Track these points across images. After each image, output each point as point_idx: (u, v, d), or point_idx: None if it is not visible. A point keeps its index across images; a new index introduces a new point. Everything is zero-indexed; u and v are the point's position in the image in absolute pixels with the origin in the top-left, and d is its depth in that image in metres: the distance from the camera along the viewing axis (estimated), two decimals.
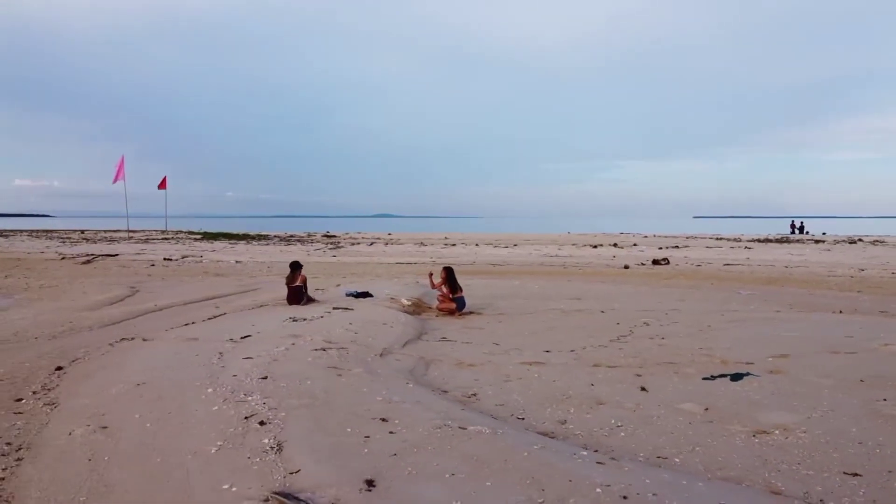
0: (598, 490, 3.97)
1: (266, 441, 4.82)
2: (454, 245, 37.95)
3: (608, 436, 5.52)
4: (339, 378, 6.70)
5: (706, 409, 6.16)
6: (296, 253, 30.28)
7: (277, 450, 4.64)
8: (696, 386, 7.04)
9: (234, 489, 4.07)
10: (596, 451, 4.99)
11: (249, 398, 5.87)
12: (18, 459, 4.95)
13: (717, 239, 46.41)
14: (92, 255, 26.14)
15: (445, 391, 6.87)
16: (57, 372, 7.69)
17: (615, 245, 37.91)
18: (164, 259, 25.67)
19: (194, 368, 7.15)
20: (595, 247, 36.63)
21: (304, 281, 12.64)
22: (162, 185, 45.18)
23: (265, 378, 6.57)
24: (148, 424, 5.39)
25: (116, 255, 26.99)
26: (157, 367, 7.32)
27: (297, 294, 12.44)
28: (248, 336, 8.96)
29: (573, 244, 38.82)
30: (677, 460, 4.92)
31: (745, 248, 34.85)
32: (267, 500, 3.84)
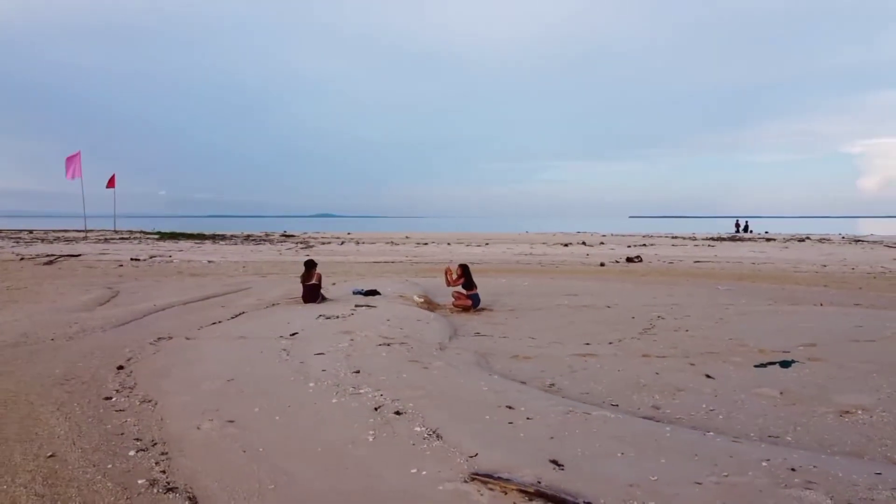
0: (764, 464, 4.30)
1: (418, 430, 4.99)
2: (426, 244, 38.10)
3: (709, 419, 5.87)
4: (426, 371, 6.88)
5: (781, 392, 6.60)
6: (266, 252, 29.93)
7: (437, 437, 4.81)
8: (754, 372, 7.48)
9: (423, 473, 4.24)
10: (711, 432, 5.32)
11: (362, 391, 6.01)
12: (164, 453, 4.98)
13: (674, 237, 47.94)
14: (53, 255, 25.23)
15: (524, 382, 7.11)
16: (120, 371, 7.62)
17: (584, 244, 38.79)
18: (132, 259, 25.01)
19: (272, 364, 7.21)
20: (566, 245, 37.41)
21: (320, 279, 12.67)
22: (110, 183, 43.78)
23: (358, 372, 6.70)
24: (277, 417, 5.47)
25: (79, 255, 26.13)
26: (231, 363, 7.34)
27: (314, 292, 12.47)
28: (296, 333, 9.00)
29: (543, 243, 39.51)
30: (789, 438, 5.31)
31: (709, 246, 36.19)
32: (471, 480, 4.03)
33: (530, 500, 3.75)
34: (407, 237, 49.07)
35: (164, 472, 4.62)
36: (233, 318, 11.23)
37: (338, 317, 10.47)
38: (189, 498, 4.17)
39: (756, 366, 7.85)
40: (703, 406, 6.20)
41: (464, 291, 12.72)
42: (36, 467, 4.83)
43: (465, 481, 4.04)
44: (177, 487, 4.35)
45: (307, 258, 13.51)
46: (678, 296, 14.80)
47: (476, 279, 12.99)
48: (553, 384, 7.07)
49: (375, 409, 5.54)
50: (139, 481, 4.48)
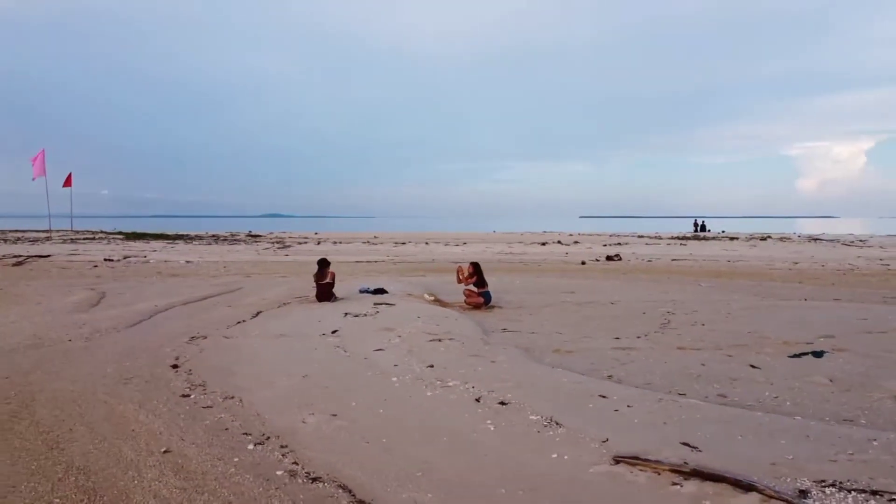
0: (875, 442, 4.64)
1: (533, 418, 5.19)
2: (404, 244, 38.14)
3: (778, 405, 6.22)
4: (495, 364, 7.08)
5: (831, 380, 7.00)
6: (244, 252, 29.58)
7: (556, 424, 5.03)
8: (793, 363, 7.90)
9: (566, 457, 4.45)
10: (798, 417, 5.66)
11: (450, 384, 6.18)
12: (283, 446, 5.08)
13: (640, 237, 49.03)
14: (21, 256, 24.48)
15: (583, 373, 7.37)
16: (177, 370, 7.61)
17: (559, 243, 39.42)
18: (105, 260, 24.45)
19: (337, 361, 7.32)
20: (543, 244, 37.96)
21: (333, 278, 12.71)
22: (67, 182, 42.52)
23: (432, 367, 6.86)
24: (381, 410, 5.61)
25: (48, 255, 25.40)
26: (293, 361, 7.43)
27: (328, 291, 12.51)
28: (336, 331, 9.08)
29: (520, 242, 39.97)
30: (864, 421, 5.68)
31: (681, 244, 37.19)
32: (615, 463, 4.25)
33: (686, 478, 3.98)
34: (375, 237, 49.04)
35: (295, 463, 4.71)
36: (254, 317, 11.21)
37: (365, 314, 10.57)
38: (340, 486, 4.28)
39: (790, 356, 8.25)
40: (766, 394, 6.53)
41: (475, 289, 12.91)
42: (158, 462, 4.87)
43: (612, 464, 4.25)
44: (320, 477, 4.45)
45: (320, 257, 13.51)
46: (671, 293, 15.28)
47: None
48: (611, 375, 7.33)
49: (476, 400, 5.71)
50: (277, 472, 4.57)
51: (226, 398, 6.28)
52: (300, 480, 4.41)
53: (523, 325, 10.84)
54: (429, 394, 5.95)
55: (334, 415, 5.56)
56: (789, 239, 44.06)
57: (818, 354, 8.29)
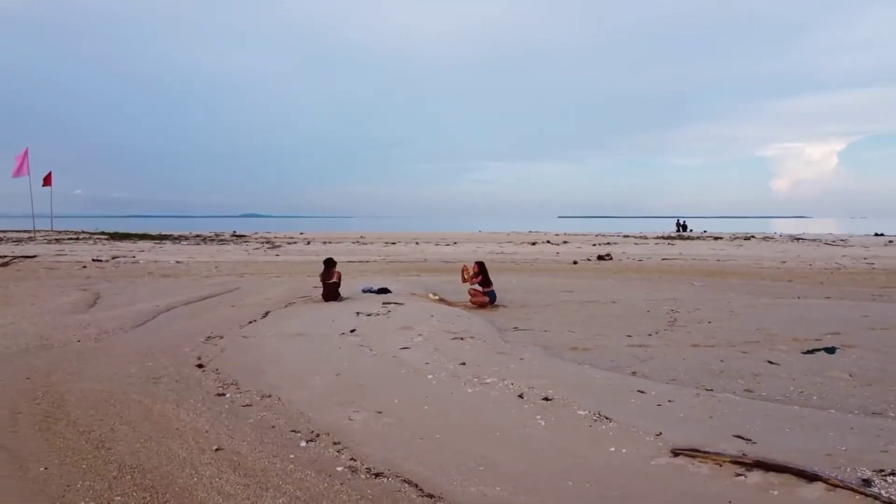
0: None
1: (581, 413, 5.30)
2: (394, 244, 38.12)
3: (806, 399, 6.39)
4: (524, 361, 7.19)
5: (850, 375, 7.20)
6: (234, 253, 29.40)
7: (606, 419, 5.13)
8: (808, 359, 8.09)
9: (623, 451, 4.56)
10: (832, 410, 5.83)
11: (488, 381, 6.27)
12: (336, 443, 5.13)
13: (625, 236, 49.47)
14: (6, 256, 24.11)
15: (608, 370, 7.49)
16: (203, 369, 7.62)
17: (549, 242, 39.67)
18: (93, 260, 24.18)
19: (366, 359, 7.38)
20: (533, 244, 38.17)
21: (339, 277, 12.73)
22: (47, 181, 41.85)
23: (464, 364, 6.93)
24: (426, 407, 5.68)
25: (35, 256, 25.04)
26: (323, 360, 7.49)
27: (335, 290, 12.52)
28: (354, 330, 9.13)
29: (509, 242, 40.15)
30: (892, 414, 5.86)
31: (669, 244, 37.59)
32: (674, 455, 4.37)
33: (749, 469, 4.11)
34: (362, 237, 48.96)
35: (353, 459, 4.77)
36: (263, 317, 11.21)
37: (377, 314, 10.61)
38: (405, 481, 4.35)
39: (804, 352, 8.45)
40: (791, 389, 6.70)
41: (479, 289, 13.00)
42: (212, 460, 4.90)
43: (671, 457, 4.36)
44: (382, 473, 4.51)
45: (326, 257, 13.51)
46: (667, 291, 15.50)
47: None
48: (635, 372, 7.47)
49: (519, 396, 5.81)
50: (337, 468, 4.62)
51: (263, 397, 6.30)
52: (362, 476, 4.46)
53: (532, 324, 10.94)
54: (469, 390, 6.03)
55: (379, 412, 5.62)
56: (772, 238, 44.79)
57: (830, 350, 8.49)
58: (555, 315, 11.98)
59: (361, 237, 48.63)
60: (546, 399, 5.68)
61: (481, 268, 12.99)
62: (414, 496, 4.13)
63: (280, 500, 4.17)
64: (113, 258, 25.25)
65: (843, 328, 10.02)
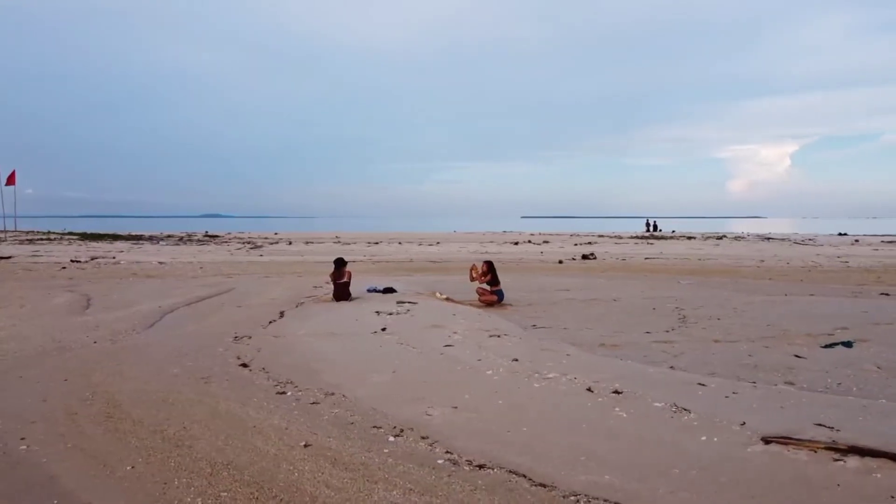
0: None
1: (658, 405, 5.51)
2: (378, 243, 38.06)
3: (847, 390, 6.69)
4: (571, 357, 7.38)
5: (878, 367, 7.54)
6: (216, 253, 29.05)
7: (685, 410, 5.34)
8: (830, 352, 8.44)
9: (715, 440, 4.76)
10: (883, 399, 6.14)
11: (550, 375, 6.43)
12: (424, 437, 5.24)
13: (600, 236, 50.14)
14: None
15: (649, 365, 7.73)
16: (249, 368, 7.64)
17: (530, 242, 40.04)
18: (72, 261, 23.70)
19: (415, 358, 7.50)
20: (515, 244, 38.50)
21: (350, 277, 12.77)
22: (10, 180, 40.68)
23: (516, 360, 7.10)
24: (500, 402, 5.82)
25: (10, 257, 24.44)
26: (369, 358, 7.57)
27: (345, 290, 12.56)
28: (385, 329, 9.22)
29: (491, 242, 40.41)
30: None
31: (648, 244, 38.27)
32: (766, 443, 4.59)
33: (845, 455, 4.34)
34: (338, 237, 48.73)
35: (448, 452, 4.89)
36: (281, 317, 11.20)
37: (398, 313, 10.71)
38: (511, 472, 4.49)
39: (823, 346, 8.81)
40: (829, 381, 7.01)
41: (488, 287, 13.16)
42: (307, 455, 4.97)
43: (763, 445, 4.58)
44: (484, 465, 4.64)
45: (337, 257, 13.51)
46: (662, 289, 15.88)
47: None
48: (672, 367, 7.70)
49: (589, 390, 5.99)
50: (438, 461, 4.74)
51: (327, 394, 6.37)
52: (465, 468, 4.58)
53: (548, 322, 11.15)
54: (536, 385, 6.19)
55: (455, 407, 5.74)
56: (744, 238, 45.90)
57: (848, 345, 8.85)
58: (564, 313, 12.19)
59: (337, 237, 48.43)
60: (616, 392, 5.86)
61: (490, 267, 13.16)
62: (526, 485, 4.26)
63: (394, 493, 4.26)
64: (92, 259, 24.78)
65: (848, 324, 10.43)
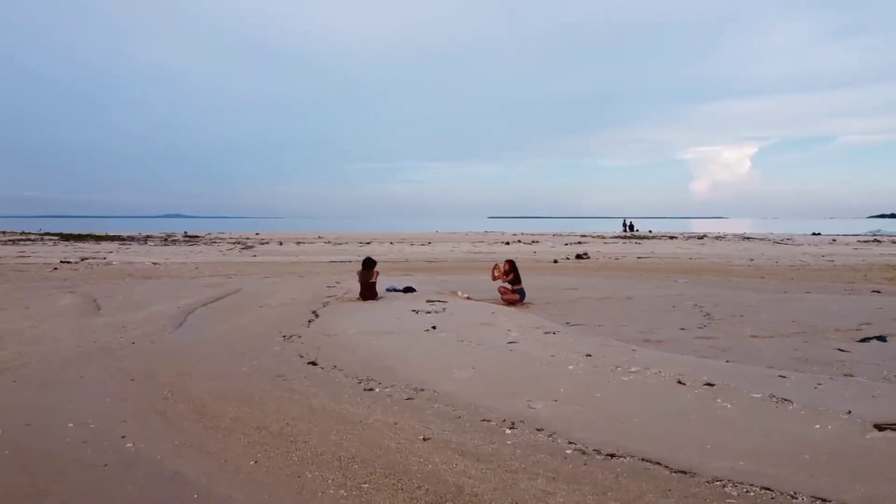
0: None
1: (755, 395, 5.76)
2: (369, 243, 37.94)
3: None
4: (636, 352, 7.63)
5: None
6: (208, 253, 28.73)
7: (785, 400, 5.61)
8: (868, 346, 8.81)
9: (829, 427, 5.01)
10: None
11: (634, 369, 6.66)
12: (539, 429, 5.39)
13: (584, 236, 50.72)
14: None
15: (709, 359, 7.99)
16: (318, 366, 7.70)
17: (520, 242, 40.35)
18: (62, 262, 23.28)
19: (487, 354, 7.67)
20: (507, 243, 38.73)
21: (377, 277, 12.84)
22: None
23: (590, 356, 7.30)
24: (598, 395, 6.02)
25: None
26: (440, 356, 7.70)
27: (373, 290, 12.65)
28: (435, 327, 9.36)
29: (482, 241, 40.62)
30: None
31: (636, 243, 38.84)
32: (882, 430, 4.85)
33: None
34: (320, 236, 48.45)
35: (571, 443, 5.06)
36: (316, 318, 11.18)
37: (436, 312, 10.85)
38: (643, 460, 4.68)
39: (859, 341, 9.16)
40: (885, 373, 7.35)
41: (509, 287, 13.34)
42: (431, 448, 5.10)
43: (878, 431, 4.84)
44: (614, 454, 4.83)
45: (366, 257, 13.56)
46: (672, 287, 16.27)
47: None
48: (729, 361, 7.97)
49: (679, 382, 6.20)
50: (567, 452, 4.91)
51: (416, 390, 6.48)
52: (598, 457, 4.76)
53: (578, 319, 11.38)
54: (624, 378, 6.39)
55: (555, 400, 5.91)
56: (724, 237, 46.90)
57: (882, 339, 9.24)
58: (587, 311, 12.43)
59: (319, 236, 48.18)
60: (709, 384, 6.09)
61: (512, 266, 13.34)
62: (666, 473, 4.45)
63: (538, 482, 4.41)
64: (82, 259, 24.37)
65: (869, 319, 10.86)
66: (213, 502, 4.34)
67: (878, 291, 15.49)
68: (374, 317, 10.54)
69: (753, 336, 9.53)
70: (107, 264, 23.10)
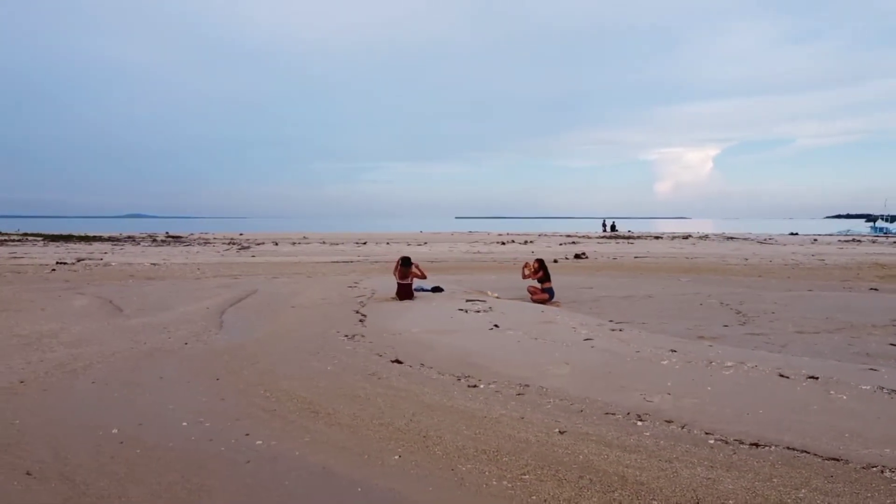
0: None
1: (865, 387, 6.04)
2: (365, 243, 37.77)
3: None
4: (713, 348, 7.90)
5: None
6: (206, 254, 28.35)
7: (893, 391, 5.87)
8: None
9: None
10: None
11: (729, 363, 6.90)
12: (668, 421, 5.58)
13: (569, 236, 51.17)
14: None
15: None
16: (407, 365, 7.77)
17: (514, 242, 40.63)
18: (59, 263, 22.85)
19: (570, 351, 7.87)
20: (503, 244, 38.91)
21: (413, 277, 12.92)
22: None
23: (675, 351, 7.53)
24: (708, 388, 6.24)
25: None
26: (524, 352, 7.86)
27: (410, 289, 12.72)
28: (497, 326, 9.51)
29: (476, 241, 40.73)
30: None
31: (629, 243, 39.34)
32: None
33: None
34: (305, 237, 48.09)
35: (707, 433, 5.24)
36: (364, 317, 11.19)
37: (483, 311, 10.97)
38: (788, 448, 4.89)
39: None
40: None
41: (538, 285, 13.55)
42: (573, 440, 5.23)
43: None
44: (757, 443, 5.03)
45: (404, 255, 13.61)
46: (687, 286, 16.64)
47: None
48: (793, 356, 8.26)
49: (781, 376, 6.48)
50: (709, 441, 5.10)
51: (522, 386, 6.62)
52: (742, 447, 4.96)
53: (618, 317, 11.59)
54: (725, 373, 6.65)
55: (669, 394, 6.11)
56: (709, 237, 47.82)
57: None
58: (619, 309, 12.66)
59: (304, 237, 47.82)
60: (812, 378, 6.34)
61: (541, 265, 13.54)
62: (818, 460, 4.67)
63: (698, 470, 4.59)
64: (79, 260, 23.91)
65: (893, 316, 11.25)
66: (378, 495, 4.38)
67: (876, 289, 16.00)
68: (428, 316, 10.62)
69: (799, 332, 9.86)
70: (105, 265, 22.70)
